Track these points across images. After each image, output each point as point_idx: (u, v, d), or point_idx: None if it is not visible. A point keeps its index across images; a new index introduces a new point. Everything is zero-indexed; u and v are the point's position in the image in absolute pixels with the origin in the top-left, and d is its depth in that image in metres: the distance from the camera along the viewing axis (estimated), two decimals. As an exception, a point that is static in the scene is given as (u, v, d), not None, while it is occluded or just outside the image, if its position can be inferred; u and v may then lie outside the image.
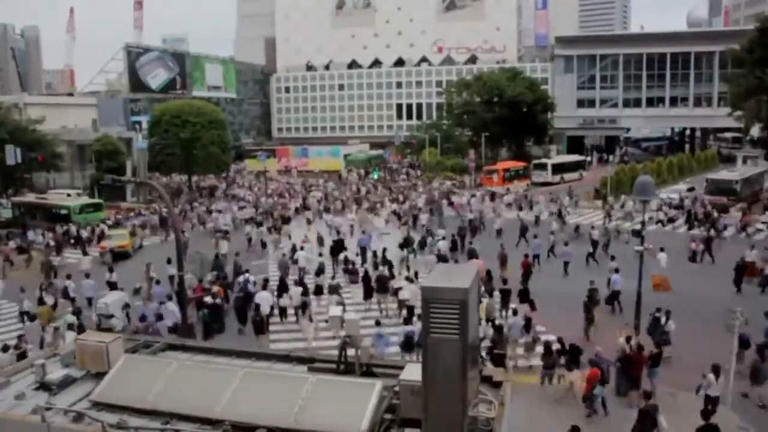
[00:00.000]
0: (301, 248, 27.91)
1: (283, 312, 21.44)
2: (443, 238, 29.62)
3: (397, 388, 6.57)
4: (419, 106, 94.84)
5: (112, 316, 19.15)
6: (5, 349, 15.96)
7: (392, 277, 23.27)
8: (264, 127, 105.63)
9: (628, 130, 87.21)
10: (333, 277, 24.71)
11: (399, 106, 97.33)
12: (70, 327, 17.87)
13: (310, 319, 20.05)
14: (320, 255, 27.18)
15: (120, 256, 31.33)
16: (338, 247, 29.09)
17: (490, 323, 17.71)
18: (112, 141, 56.38)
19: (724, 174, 44.84)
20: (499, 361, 15.86)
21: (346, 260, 26.77)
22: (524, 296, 20.56)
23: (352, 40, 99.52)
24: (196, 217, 41.95)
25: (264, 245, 33.01)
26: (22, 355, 15.37)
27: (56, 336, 17.27)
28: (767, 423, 13.90)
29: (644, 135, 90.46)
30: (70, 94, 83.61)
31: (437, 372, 5.65)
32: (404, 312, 19.85)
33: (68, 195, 46.33)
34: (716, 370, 13.91)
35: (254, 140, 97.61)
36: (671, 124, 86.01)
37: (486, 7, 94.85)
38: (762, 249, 24.30)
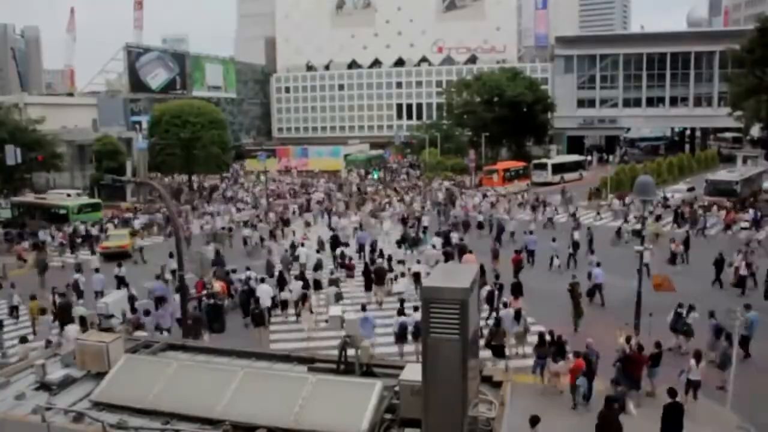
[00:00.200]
0: (302, 244, 28.96)
1: (284, 305, 22.08)
2: (436, 235, 30.56)
3: (397, 388, 6.58)
4: (419, 106, 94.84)
5: (112, 316, 19.20)
6: (23, 340, 16.89)
7: (390, 270, 24.19)
8: (264, 127, 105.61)
9: (628, 130, 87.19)
10: (332, 272, 25.18)
11: (399, 106, 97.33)
12: (82, 322, 18.44)
13: (311, 311, 20.73)
14: (318, 252, 27.81)
15: (120, 256, 31.33)
16: (335, 243, 30.13)
17: None
18: (112, 141, 56.40)
19: (723, 174, 44.86)
20: (497, 352, 16.66)
21: (342, 255, 27.59)
22: (516, 290, 21.28)
23: (352, 40, 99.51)
24: (195, 219, 41.31)
25: (262, 241, 33.04)
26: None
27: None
28: (767, 423, 13.90)
29: (640, 135, 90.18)
30: (70, 94, 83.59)
31: (437, 372, 5.65)
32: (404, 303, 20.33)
33: (68, 195, 46.37)
34: (698, 356, 14.68)
35: (254, 140, 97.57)
36: (671, 124, 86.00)
37: (486, 7, 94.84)
38: (749, 253, 24.15)
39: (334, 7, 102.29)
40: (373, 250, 27.97)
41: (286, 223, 38.09)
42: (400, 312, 18.64)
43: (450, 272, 6.51)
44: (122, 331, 18.19)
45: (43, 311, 20.48)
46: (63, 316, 19.96)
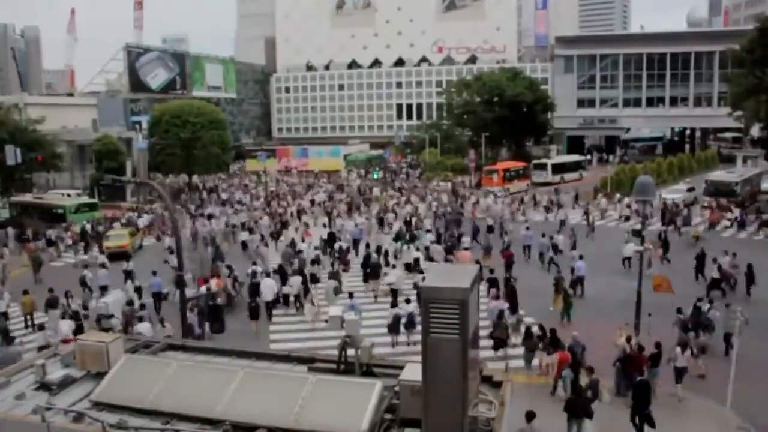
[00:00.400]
0: (302, 240, 30.57)
1: (285, 299, 22.99)
2: (428, 231, 31.76)
3: (397, 388, 6.58)
4: (419, 106, 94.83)
5: (112, 316, 19.27)
6: (41, 327, 18.41)
7: (386, 264, 25.62)
8: (264, 127, 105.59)
9: (628, 130, 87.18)
10: (332, 266, 26.20)
11: (399, 106, 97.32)
12: (75, 317, 19.24)
13: (312, 303, 21.49)
14: (315, 248, 28.83)
15: (120, 256, 31.36)
16: (332, 238, 31.27)
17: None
18: (112, 141, 56.38)
19: (723, 175, 44.85)
20: (499, 344, 17.41)
21: (340, 250, 28.63)
22: (508, 284, 22.21)
23: (352, 40, 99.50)
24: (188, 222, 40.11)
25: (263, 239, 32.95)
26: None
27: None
28: (767, 423, 13.90)
29: (633, 135, 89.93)
30: (70, 94, 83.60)
31: (437, 372, 5.65)
32: (396, 294, 21.57)
33: (68, 195, 46.37)
34: (683, 344, 15.69)
35: (254, 140, 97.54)
36: (671, 124, 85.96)
37: (486, 7, 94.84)
38: (731, 255, 23.98)
39: (334, 7, 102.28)
40: (368, 246, 29.07)
41: (284, 225, 37.25)
42: (393, 304, 19.83)
43: (450, 272, 6.52)
44: (117, 325, 18.60)
45: (53, 304, 21.03)
46: (51, 309, 20.77)
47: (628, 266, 26.17)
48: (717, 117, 71.52)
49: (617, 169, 54.32)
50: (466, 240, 29.89)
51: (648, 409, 13.48)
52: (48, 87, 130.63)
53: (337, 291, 22.10)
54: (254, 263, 25.48)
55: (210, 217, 40.89)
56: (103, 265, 26.61)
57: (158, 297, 22.48)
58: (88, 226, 37.24)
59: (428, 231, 31.85)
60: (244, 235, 33.21)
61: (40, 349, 16.31)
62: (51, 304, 20.96)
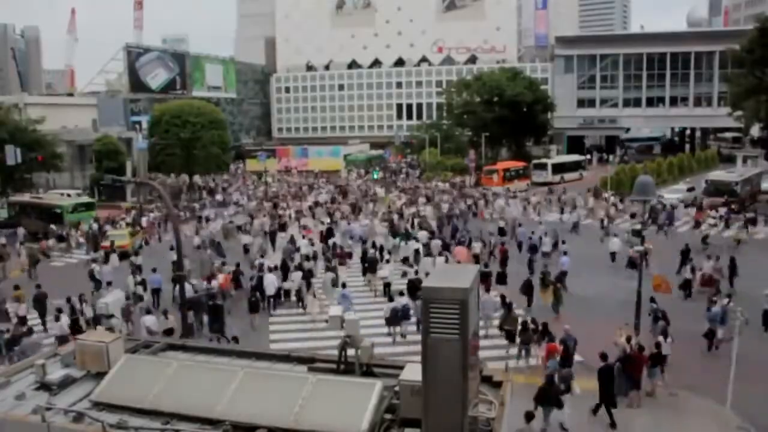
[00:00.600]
0: (303, 237, 31.67)
1: (287, 294, 23.81)
2: (422, 229, 32.86)
3: (397, 388, 6.58)
4: (419, 106, 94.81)
5: (112, 316, 19.29)
6: (59, 312, 19.13)
7: (381, 260, 26.55)
8: (264, 127, 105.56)
9: (628, 130, 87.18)
10: (329, 260, 27.05)
11: (399, 106, 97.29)
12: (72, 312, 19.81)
13: (314, 296, 22.48)
14: (313, 244, 29.70)
15: (120, 256, 31.40)
16: (329, 234, 32.33)
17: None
18: (112, 141, 56.36)
19: (723, 175, 44.85)
20: (509, 336, 18.00)
21: (335, 246, 29.50)
22: (501, 279, 23.37)
23: (352, 40, 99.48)
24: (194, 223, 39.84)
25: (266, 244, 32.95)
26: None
27: None
28: (767, 423, 13.90)
29: (630, 135, 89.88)
30: (70, 94, 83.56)
31: (437, 372, 5.65)
32: (388, 288, 23.37)
33: (68, 195, 46.35)
34: (664, 333, 16.49)
35: (254, 140, 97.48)
36: (671, 124, 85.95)
37: (486, 7, 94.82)
38: (715, 259, 24.00)
39: (334, 7, 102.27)
40: (364, 242, 29.99)
41: (282, 227, 36.39)
42: (390, 299, 21.01)
43: (450, 272, 6.52)
44: (117, 325, 18.74)
45: (41, 300, 21.63)
46: (38, 306, 21.52)
47: (615, 261, 27.30)
48: (717, 117, 71.53)
49: (617, 169, 54.34)
50: (477, 245, 28.87)
51: (612, 393, 14.17)
52: (48, 87, 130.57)
53: (335, 283, 23.00)
54: (262, 255, 27.65)
55: (207, 219, 40.56)
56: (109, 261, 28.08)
57: (157, 293, 23.41)
58: (95, 226, 37.75)
59: (422, 228, 32.67)
60: (246, 239, 32.75)
61: (59, 339, 17.50)
62: (39, 299, 21.56)
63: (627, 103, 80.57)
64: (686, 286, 23.00)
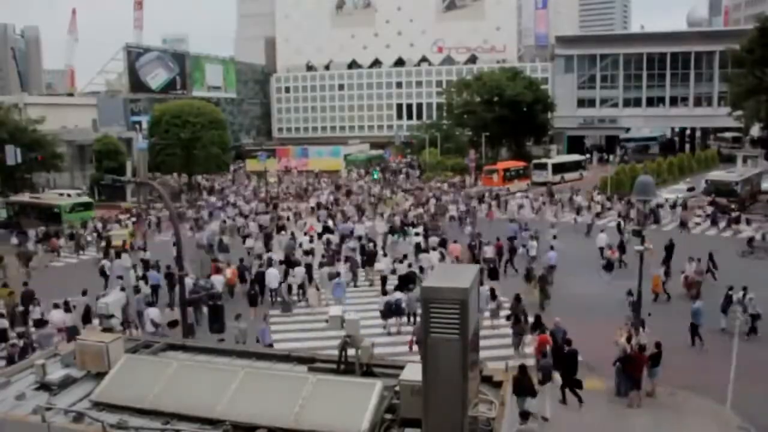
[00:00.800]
0: (304, 234, 32.75)
1: (288, 288, 24.33)
2: (413, 225, 33.92)
3: (397, 388, 6.58)
4: (419, 106, 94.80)
5: (112, 316, 19.27)
6: (67, 309, 19.75)
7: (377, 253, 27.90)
8: (264, 127, 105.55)
9: (628, 130, 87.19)
10: (323, 256, 27.92)
11: (399, 106, 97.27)
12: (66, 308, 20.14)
13: (317, 288, 23.53)
14: (311, 241, 30.46)
15: (116, 255, 31.59)
16: (325, 231, 33.43)
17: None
18: (112, 141, 56.35)
19: (723, 175, 44.84)
20: (537, 323, 18.41)
21: (329, 242, 30.41)
22: (493, 274, 24.25)
23: (352, 40, 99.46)
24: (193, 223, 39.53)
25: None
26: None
27: None
28: (767, 423, 13.90)
29: (626, 136, 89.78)
30: (70, 94, 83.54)
31: (437, 372, 5.65)
32: (385, 281, 24.27)
33: (68, 195, 46.38)
34: (642, 323, 17.36)
35: (254, 140, 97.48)
36: (671, 124, 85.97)
37: (486, 6, 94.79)
38: (697, 262, 24.00)
39: (334, 7, 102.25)
40: (360, 239, 30.77)
41: (280, 230, 35.23)
42: (384, 292, 22.39)
43: (450, 272, 6.52)
44: (117, 325, 18.86)
45: (29, 297, 21.95)
46: (26, 302, 21.82)
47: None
48: (717, 117, 71.55)
49: (617, 168, 54.34)
50: (489, 249, 27.77)
51: (575, 376, 15.01)
52: (48, 87, 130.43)
53: (331, 276, 23.96)
54: (269, 249, 29.17)
55: (204, 221, 40.09)
56: (118, 256, 28.84)
57: (156, 289, 24.02)
58: (99, 225, 38.56)
59: (414, 225, 33.97)
60: (248, 242, 32.09)
61: (69, 331, 18.32)
62: (27, 297, 21.87)
63: (627, 103, 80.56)
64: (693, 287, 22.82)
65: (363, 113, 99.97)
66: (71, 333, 18.08)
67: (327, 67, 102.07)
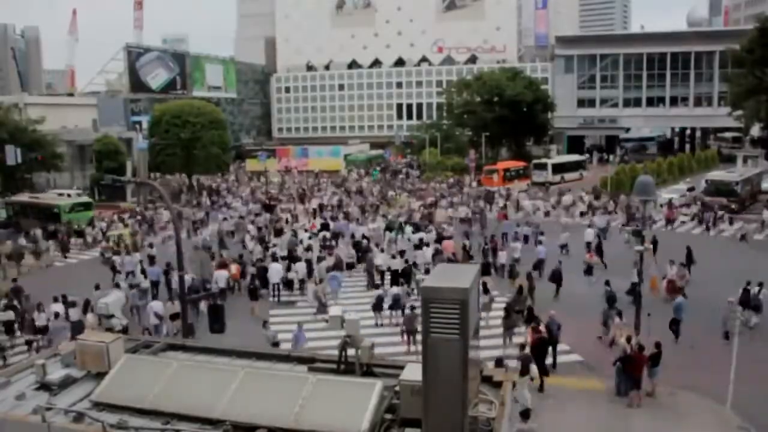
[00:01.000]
0: (305, 231, 33.70)
1: (290, 283, 25.28)
2: (407, 223, 34.61)
3: (397, 388, 6.58)
4: (419, 106, 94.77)
5: (112, 316, 19.32)
6: (73, 304, 20.32)
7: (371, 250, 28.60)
8: (264, 127, 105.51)
9: (628, 130, 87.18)
10: (320, 251, 28.80)
11: (399, 106, 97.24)
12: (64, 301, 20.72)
13: (316, 283, 24.23)
14: (310, 238, 31.15)
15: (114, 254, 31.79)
16: (324, 228, 34.20)
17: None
18: (112, 141, 56.30)
19: (723, 174, 44.81)
20: (530, 315, 19.17)
21: (325, 238, 31.31)
22: (485, 269, 24.44)
23: (352, 40, 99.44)
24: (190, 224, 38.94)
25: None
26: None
27: None
28: (767, 423, 13.90)
29: (624, 136, 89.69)
30: (71, 94, 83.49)
31: (438, 372, 5.65)
32: (383, 276, 25.54)
33: (68, 195, 46.39)
34: (619, 314, 18.65)
35: (254, 140, 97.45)
36: (671, 124, 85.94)
37: (486, 6, 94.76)
38: (679, 266, 23.90)
39: (334, 7, 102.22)
40: (353, 236, 31.78)
41: (277, 233, 34.32)
42: (377, 286, 23.66)
43: (450, 272, 6.52)
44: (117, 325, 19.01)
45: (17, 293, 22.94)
46: (15, 299, 22.49)
47: (566, 252, 29.08)
48: (717, 117, 71.52)
49: (617, 168, 54.33)
50: (503, 254, 27.31)
51: (544, 362, 16.01)
52: (48, 87, 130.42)
53: (329, 270, 25.02)
54: (274, 245, 30.10)
55: (202, 223, 39.66)
56: (128, 252, 30.01)
57: (156, 284, 24.70)
58: (103, 225, 39.09)
59: (407, 223, 34.66)
60: (250, 246, 31.22)
61: (74, 326, 19.01)
62: (14, 292, 22.41)
63: (627, 103, 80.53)
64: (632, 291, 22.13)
65: (363, 113, 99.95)
66: (76, 327, 18.40)
67: (327, 67, 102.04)
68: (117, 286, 23.42)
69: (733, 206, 38.26)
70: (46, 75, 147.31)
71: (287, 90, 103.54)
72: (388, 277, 25.56)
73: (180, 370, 7.26)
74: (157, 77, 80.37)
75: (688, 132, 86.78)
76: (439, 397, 5.68)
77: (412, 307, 19.63)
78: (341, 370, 7.47)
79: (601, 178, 49.17)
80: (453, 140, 71.22)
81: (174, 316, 19.56)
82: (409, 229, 32.58)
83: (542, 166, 59.31)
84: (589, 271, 25.29)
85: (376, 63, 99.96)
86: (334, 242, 30.96)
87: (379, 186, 56.14)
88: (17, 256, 31.14)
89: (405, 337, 19.12)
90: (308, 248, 28.40)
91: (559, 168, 59.22)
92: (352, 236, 31.95)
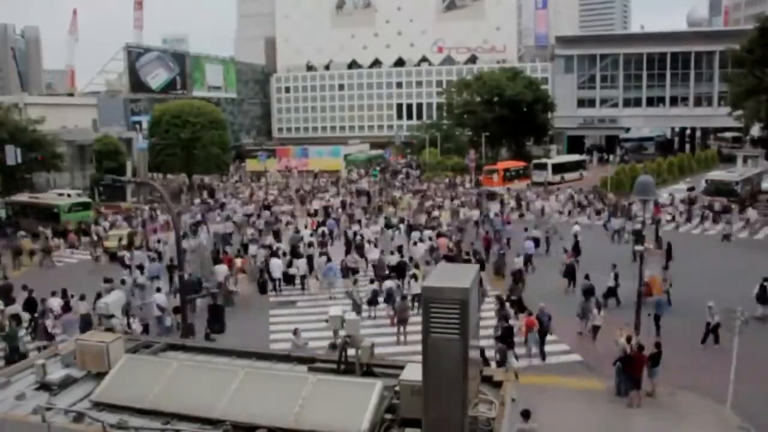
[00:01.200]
0: (305, 227, 34.83)
1: (291, 279, 26.02)
2: (401, 221, 35.65)
3: (397, 388, 6.57)
4: (419, 106, 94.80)
5: (112, 316, 19.25)
6: (82, 297, 20.56)
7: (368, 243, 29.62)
8: (264, 127, 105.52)
9: (628, 130, 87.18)
10: (312, 245, 29.79)
11: (399, 106, 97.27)
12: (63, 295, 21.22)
13: (317, 278, 25.45)
14: (311, 235, 32.14)
15: (111, 255, 32.00)
16: (321, 225, 35.50)
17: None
18: (112, 141, 56.22)
19: (723, 174, 44.82)
20: (520, 306, 20.00)
21: (323, 234, 32.71)
22: (481, 266, 24.91)
23: (352, 40, 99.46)
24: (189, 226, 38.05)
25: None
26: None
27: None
28: (767, 423, 13.90)
29: (623, 136, 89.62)
30: (71, 94, 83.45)
31: (438, 372, 5.65)
32: (378, 273, 25.55)
33: (68, 195, 46.36)
34: (599, 306, 19.41)
35: (254, 140, 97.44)
36: (671, 124, 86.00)
37: (486, 6, 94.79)
38: (661, 269, 23.59)
39: (334, 7, 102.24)
40: (346, 234, 32.64)
41: (276, 235, 33.79)
42: (372, 280, 23.89)
43: (450, 272, 6.51)
44: (117, 325, 19.06)
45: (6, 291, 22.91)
46: (4, 296, 22.47)
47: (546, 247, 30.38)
48: (717, 117, 71.55)
49: (617, 168, 54.33)
50: (519, 260, 26.10)
51: (512, 348, 16.58)
52: (48, 87, 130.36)
53: (329, 260, 25.88)
54: (279, 241, 31.09)
55: (198, 225, 38.67)
56: (138, 248, 30.99)
57: (156, 280, 24.90)
58: (106, 224, 39.56)
59: (402, 221, 35.77)
60: (252, 250, 30.54)
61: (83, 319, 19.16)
62: (4, 291, 22.54)
63: (627, 103, 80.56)
64: (611, 293, 22.04)
65: (363, 113, 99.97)
66: (85, 321, 18.46)
67: (327, 67, 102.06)
68: (123, 282, 23.67)
69: (733, 206, 38.26)
70: (46, 75, 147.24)
71: (287, 90, 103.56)
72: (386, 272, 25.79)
73: (180, 370, 7.26)
74: (157, 77, 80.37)
75: (688, 132, 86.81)
76: (439, 397, 5.68)
77: (403, 297, 21.03)
78: (341, 370, 7.47)
79: (601, 178, 49.17)
80: (453, 140, 71.25)
81: (176, 309, 19.87)
82: (403, 227, 33.54)
83: (542, 166, 59.34)
84: (568, 274, 24.41)
85: (376, 63, 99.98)
86: (330, 240, 32.82)
87: (378, 186, 56.04)
88: (14, 253, 31.65)
89: (397, 328, 19.96)
90: (310, 245, 29.25)
91: (559, 168, 59.26)
92: (345, 234, 33.03)
